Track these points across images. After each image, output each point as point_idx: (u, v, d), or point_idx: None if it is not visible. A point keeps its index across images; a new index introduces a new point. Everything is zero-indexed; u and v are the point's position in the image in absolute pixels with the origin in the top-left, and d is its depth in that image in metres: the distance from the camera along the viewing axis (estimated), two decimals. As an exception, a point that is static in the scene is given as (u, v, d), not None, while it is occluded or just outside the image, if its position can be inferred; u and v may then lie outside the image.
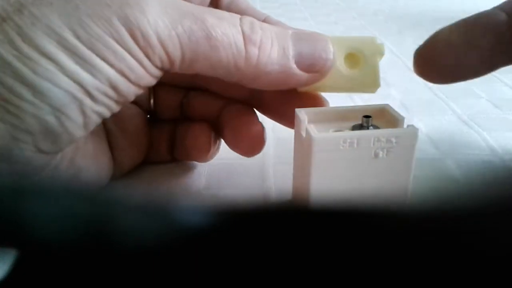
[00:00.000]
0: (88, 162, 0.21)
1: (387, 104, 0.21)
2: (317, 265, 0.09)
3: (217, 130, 0.25)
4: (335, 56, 0.21)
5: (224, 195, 0.25)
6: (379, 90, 0.22)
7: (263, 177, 0.26)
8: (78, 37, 0.16)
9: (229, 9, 0.24)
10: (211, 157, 0.26)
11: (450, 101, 0.36)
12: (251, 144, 0.24)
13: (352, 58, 0.21)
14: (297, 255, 0.09)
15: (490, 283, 0.08)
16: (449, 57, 0.20)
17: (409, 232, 0.08)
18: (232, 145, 0.24)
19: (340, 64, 0.21)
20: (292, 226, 0.09)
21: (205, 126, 0.25)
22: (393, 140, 0.19)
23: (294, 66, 0.20)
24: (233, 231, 0.09)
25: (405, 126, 0.20)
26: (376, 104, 0.21)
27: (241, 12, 0.22)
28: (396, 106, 0.21)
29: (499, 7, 0.21)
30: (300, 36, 0.20)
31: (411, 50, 0.23)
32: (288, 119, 0.21)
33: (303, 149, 0.20)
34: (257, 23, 0.20)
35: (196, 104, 0.26)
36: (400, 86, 0.39)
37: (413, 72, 0.22)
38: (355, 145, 0.18)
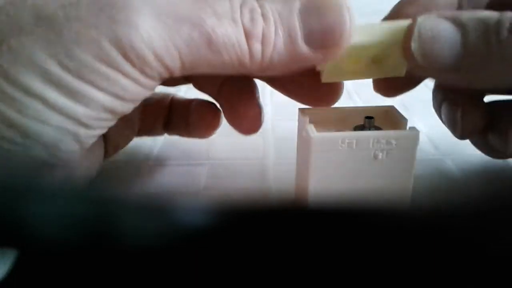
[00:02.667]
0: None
1: (392, 106, 0.21)
2: (316, 264, 0.09)
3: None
4: (352, 26, 0.18)
5: (224, 195, 0.25)
6: (380, 90, 0.21)
7: (263, 177, 0.26)
8: (64, 68, 0.15)
9: None
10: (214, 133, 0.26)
11: (450, 101, 0.36)
12: (248, 125, 0.23)
13: None
14: (297, 254, 0.09)
15: (490, 282, 0.08)
16: None
17: (408, 231, 0.08)
18: (231, 123, 0.24)
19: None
20: (292, 226, 0.09)
21: (209, 104, 0.25)
22: (393, 142, 0.18)
23: (305, 47, 0.18)
24: (233, 231, 0.09)
25: (407, 128, 0.19)
26: (381, 105, 0.21)
27: None
28: (396, 106, 0.21)
29: None
30: (309, 9, 0.18)
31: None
32: (299, 94, 0.20)
33: (303, 148, 0.20)
34: (257, 9, 0.18)
35: (197, 78, 0.25)
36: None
37: None
38: (354, 146, 0.18)
